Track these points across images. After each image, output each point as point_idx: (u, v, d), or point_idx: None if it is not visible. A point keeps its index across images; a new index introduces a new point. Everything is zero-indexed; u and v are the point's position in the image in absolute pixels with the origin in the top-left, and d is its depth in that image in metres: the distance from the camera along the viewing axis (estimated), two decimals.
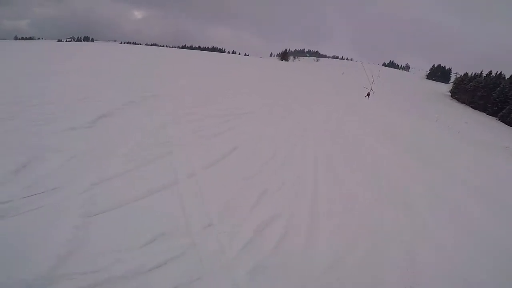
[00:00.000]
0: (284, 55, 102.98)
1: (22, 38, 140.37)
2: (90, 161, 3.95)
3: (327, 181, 5.15)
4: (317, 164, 5.87)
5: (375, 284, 2.94)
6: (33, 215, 2.73)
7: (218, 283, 2.49)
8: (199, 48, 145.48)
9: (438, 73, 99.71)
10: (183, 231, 3.00)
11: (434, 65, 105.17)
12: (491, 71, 56.42)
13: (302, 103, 14.20)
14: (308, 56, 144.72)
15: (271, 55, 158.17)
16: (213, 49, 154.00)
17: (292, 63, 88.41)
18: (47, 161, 3.70)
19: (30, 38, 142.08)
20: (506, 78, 51.59)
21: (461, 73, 64.77)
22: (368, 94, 20.85)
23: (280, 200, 4.11)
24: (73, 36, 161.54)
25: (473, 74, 58.29)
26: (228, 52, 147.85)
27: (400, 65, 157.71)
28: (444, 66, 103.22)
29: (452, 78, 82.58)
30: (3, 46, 28.50)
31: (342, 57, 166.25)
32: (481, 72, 57.77)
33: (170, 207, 3.35)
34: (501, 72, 54.43)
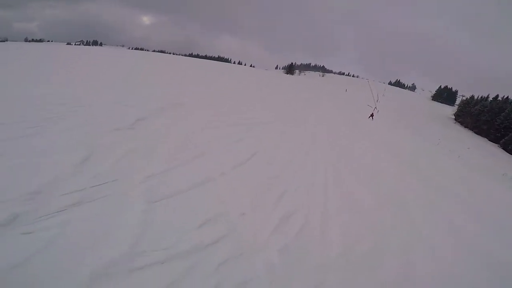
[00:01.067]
0: (290, 69, 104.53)
1: (33, 40, 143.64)
2: (139, 158, 4.64)
3: (336, 186, 5.84)
4: (326, 172, 6.56)
5: (379, 266, 3.58)
6: (105, 201, 3.38)
7: (257, 257, 3.14)
8: (206, 57, 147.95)
9: (444, 95, 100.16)
10: (224, 218, 3.66)
11: (440, 86, 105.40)
12: (497, 95, 56.40)
13: (308, 117, 14.94)
14: (314, 71, 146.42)
15: (276, 67, 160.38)
16: (220, 59, 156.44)
17: (298, 77, 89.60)
18: (103, 157, 4.38)
19: (40, 40, 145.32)
20: None
21: (468, 95, 65.25)
22: (372, 115, 20.95)
23: (297, 199, 4.80)
24: (82, 40, 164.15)
25: (479, 97, 58.53)
26: (234, 63, 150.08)
27: (406, 85, 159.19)
28: (451, 88, 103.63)
29: (458, 100, 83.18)
30: (21, 48, 29.55)
31: (348, 73, 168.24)
32: (487, 95, 57.87)
33: (211, 198, 4.03)
34: (507, 97, 54.28)
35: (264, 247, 3.33)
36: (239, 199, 4.21)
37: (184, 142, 5.88)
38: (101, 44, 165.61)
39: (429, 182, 8.80)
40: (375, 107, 37.90)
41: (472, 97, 59.84)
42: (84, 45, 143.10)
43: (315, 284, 2.99)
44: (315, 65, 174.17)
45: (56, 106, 6.57)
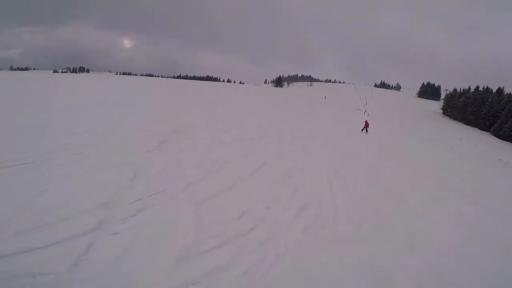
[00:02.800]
0: (279, 82, 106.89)
1: (18, 69, 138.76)
2: (174, 172, 5.55)
3: (338, 183, 6.81)
4: (329, 172, 7.56)
5: (386, 239, 4.45)
6: (162, 206, 4.24)
7: (286, 236, 4.02)
8: (195, 78, 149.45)
9: (429, 91, 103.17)
10: (254, 211, 4.56)
11: (423, 83, 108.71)
12: (478, 86, 58.49)
13: (301, 122, 15.98)
14: (302, 81, 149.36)
15: (265, 81, 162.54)
16: (209, 78, 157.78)
17: (287, 89, 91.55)
18: (146, 173, 5.26)
19: (26, 69, 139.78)
20: (493, 92, 53.47)
21: (451, 89, 67.54)
22: (366, 128, 18.17)
23: (308, 194, 5.73)
24: (68, 67, 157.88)
25: (462, 89, 60.70)
26: (223, 81, 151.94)
27: (391, 85, 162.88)
28: (434, 84, 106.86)
29: (443, 95, 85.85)
30: (12, 77, 29.63)
31: (335, 80, 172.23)
32: (469, 87, 60.04)
33: (240, 198, 4.94)
34: (487, 87, 56.59)
35: (290, 229, 4.22)
36: (261, 197, 5.13)
37: (203, 157, 6.82)
38: (88, 71, 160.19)
39: (425, 174, 9.76)
40: (365, 110, 39.23)
41: (455, 90, 61.98)
42: (71, 72, 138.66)
43: (336, 251, 3.84)
44: (302, 75, 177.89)
45: (84, 133, 7.42)
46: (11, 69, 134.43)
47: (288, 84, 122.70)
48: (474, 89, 58.03)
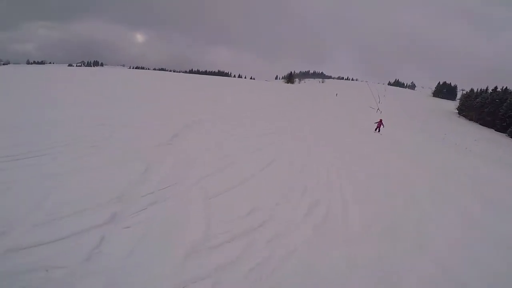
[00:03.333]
0: (290, 78, 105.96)
1: (34, 62, 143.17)
2: (185, 166, 5.62)
3: (348, 182, 6.71)
4: (339, 170, 7.47)
5: (394, 240, 4.37)
6: (174, 200, 4.30)
7: (296, 234, 4.01)
8: (206, 73, 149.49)
9: (444, 90, 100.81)
10: (264, 207, 4.55)
11: (439, 82, 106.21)
12: (496, 87, 56.84)
13: (313, 120, 15.85)
14: (314, 78, 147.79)
15: (276, 77, 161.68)
16: (220, 73, 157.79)
17: (299, 85, 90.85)
18: (158, 167, 5.34)
19: (42, 63, 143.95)
20: None
21: (467, 89, 65.78)
22: (378, 128, 17.29)
23: (318, 191, 5.70)
24: (83, 61, 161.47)
25: (479, 90, 59.04)
26: (234, 76, 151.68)
27: (405, 84, 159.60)
28: (450, 83, 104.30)
29: (459, 95, 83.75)
30: (32, 70, 30.77)
31: (348, 77, 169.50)
32: (486, 88, 58.34)
33: (250, 193, 4.95)
34: (506, 87, 54.85)
35: (300, 227, 4.20)
36: (271, 193, 5.12)
37: (215, 152, 6.86)
38: (102, 65, 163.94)
39: (437, 174, 9.55)
40: (378, 108, 38.64)
41: (472, 90, 60.39)
42: (85, 66, 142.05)
43: (346, 250, 3.81)
44: (314, 72, 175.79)
45: (97, 127, 7.57)
46: (28, 63, 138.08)
47: (300, 80, 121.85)
48: (492, 90, 56.35)
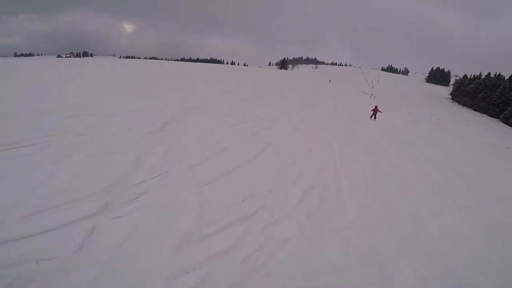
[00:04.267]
0: (283, 64, 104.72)
1: (22, 55, 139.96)
2: (177, 154, 5.52)
3: (343, 166, 6.74)
4: (334, 156, 7.43)
5: (388, 227, 4.38)
6: (165, 188, 4.22)
7: (290, 222, 3.98)
8: (198, 60, 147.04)
9: (438, 76, 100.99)
10: (257, 194, 4.52)
11: (433, 68, 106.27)
12: (489, 73, 57.08)
13: (303, 105, 15.77)
14: (307, 64, 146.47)
15: (269, 64, 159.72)
16: (212, 61, 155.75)
17: (291, 71, 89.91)
18: (150, 155, 5.24)
19: (30, 55, 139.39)
20: (505, 79, 52.20)
21: (461, 75, 65.91)
22: (374, 115, 17.16)
23: (313, 177, 5.67)
24: (72, 52, 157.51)
25: (473, 76, 59.29)
26: (227, 63, 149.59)
27: (399, 69, 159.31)
28: (443, 69, 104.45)
29: (452, 81, 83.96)
30: (19, 63, 29.72)
31: (341, 63, 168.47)
32: (480, 74, 58.60)
33: (243, 180, 4.89)
34: (499, 74, 55.26)
35: (294, 214, 4.18)
36: (265, 180, 5.08)
37: (208, 139, 6.76)
38: (91, 55, 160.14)
39: (432, 161, 9.59)
40: (372, 94, 38.60)
41: (465, 76, 60.63)
42: (75, 56, 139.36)
43: (340, 239, 3.81)
44: (307, 58, 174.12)
45: (86, 116, 7.35)
46: (15, 55, 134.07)
47: (293, 66, 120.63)
48: (485, 76, 56.64)
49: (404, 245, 4.01)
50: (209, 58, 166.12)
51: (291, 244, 3.50)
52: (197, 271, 2.78)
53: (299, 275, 3.05)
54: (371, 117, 17.17)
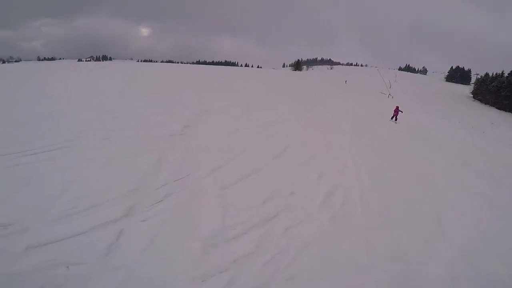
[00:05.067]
0: (298, 65, 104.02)
1: (45, 59, 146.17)
2: (198, 156, 5.60)
3: (365, 169, 6.50)
4: (354, 157, 7.25)
5: (412, 227, 4.24)
6: (188, 191, 4.28)
7: (312, 224, 3.93)
8: (213, 63, 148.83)
9: (457, 75, 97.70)
10: (279, 196, 4.48)
11: (452, 66, 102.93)
12: None
13: (321, 107, 15.56)
14: (322, 65, 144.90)
15: (283, 65, 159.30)
16: (227, 63, 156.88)
17: (306, 73, 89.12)
18: (171, 157, 5.32)
19: (52, 59, 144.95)
20: None
21: (482, 73, 63.69)
22: (395, 116, 16.50)
23: (334, 178, 5.57)
24: (92, 56, 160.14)
25: (494, 74, 57.20)
26: (241, 66, 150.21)
27: (417, 69, 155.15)
28: (463, 68, 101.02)
29: (473, 79, 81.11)
30: (47, 67, 30.96)
31: (356, 63, 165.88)
32: (502, 72, 56.49)
33: (264, 182, 4.88)
34: None
35: (316, 216, 4.11)
36: (286, 182, 5.04)
37: (226, 141, 6.80)
38: (110, 59, 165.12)
39: (455, 159, 9.24)
40: (389, 94, 37.78)
41: (487, 74, 58.55)
42: (95, 60, 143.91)
43: (364, 241, 3.70)
44: (322, 59, 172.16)
45: (109, 119, 7.61)
46: (39, 59, 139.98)
47: (307, 67, 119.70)
48: (508, 74, 54.39)
49: (430, 243, 3.90)
50: (223, 61, 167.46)
51: (315, 245, 3.45)
52: (223, 274, 2.78)
53: (323, 277, 3.00)
54: (391, 118, 16.67)
